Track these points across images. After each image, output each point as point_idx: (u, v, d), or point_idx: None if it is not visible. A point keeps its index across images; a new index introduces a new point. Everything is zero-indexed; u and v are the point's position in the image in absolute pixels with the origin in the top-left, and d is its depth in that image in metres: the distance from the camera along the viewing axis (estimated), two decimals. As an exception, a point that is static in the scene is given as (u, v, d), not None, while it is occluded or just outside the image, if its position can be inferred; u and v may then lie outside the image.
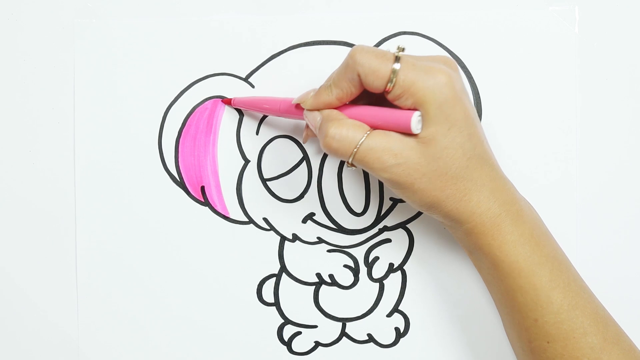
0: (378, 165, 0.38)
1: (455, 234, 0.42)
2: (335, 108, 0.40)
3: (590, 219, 0.48)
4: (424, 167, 0.37)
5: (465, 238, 0.40)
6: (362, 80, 0.38)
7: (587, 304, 0.39)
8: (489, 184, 0.39)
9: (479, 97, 0.48)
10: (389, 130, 0.38)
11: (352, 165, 0.39)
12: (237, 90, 0.48)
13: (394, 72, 0.37)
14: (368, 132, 0.38)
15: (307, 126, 0.44)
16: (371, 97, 0.40)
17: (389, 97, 0.38)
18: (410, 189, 0.38)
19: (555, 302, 0.38)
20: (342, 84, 0.38)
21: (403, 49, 0.38)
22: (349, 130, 0.38)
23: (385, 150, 0.37)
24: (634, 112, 0.48)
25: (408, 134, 0.37)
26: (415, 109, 0.37)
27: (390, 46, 0.47)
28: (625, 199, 0.48)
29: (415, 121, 0.37)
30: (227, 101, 0.48)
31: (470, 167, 0.38)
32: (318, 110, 0.40)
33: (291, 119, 0.47)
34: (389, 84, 0.37)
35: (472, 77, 0.48)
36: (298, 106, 0.42)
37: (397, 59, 0.37)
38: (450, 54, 0.48)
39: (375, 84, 0.37)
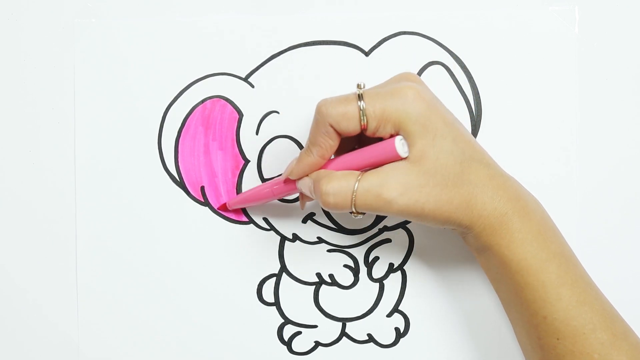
0: (382, 203, 0.38)
1: (465, 238, 0.42)
2: (322, 167, 0.40)
3: (590, 219, 0.48)
4: (425, 187, 0.37)
5: (474, 240, 0.40)
6: (336, 130, 0.38)
7: (595, 300, 0.39)
8: (489, 183, 0.39)
9: (479, 97, 0.48)
10: (380, 165, 0.38)
11: (358, 213, 0.39)
12: (237, 90, 0.48)
13: (361, 109, 0.37)
14: (360, 176, 0.38)
15: (302, 194, 0.44)
16: (352, 144, 0.41)
17: (369, 133, 0.38)
18: (422, 214, 0.38)
19: (564, 298, 0.38)
20: (319, 140, 0.39)
21: (363, 85, 0.38)
22: (340, 181, 0.38)
23: (383, 185, 0.37)
24: (634, 112, 0.48)
25: (398, 161, 0.38)
26: (396, 134, 0.38)
27: (354, 84, 0.43)
28: (626, 199, 0.48)
29: (399, 145, 0.37)
30: (222, 207, 0.48)
31: (465, 172, 0.38)
32: (306, 175, 0.41)
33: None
34: (362, 122, 0.38)
35: (472, 77, 0.48)
36: (289, 181, 0.42)
37: (360, 96, 0.38)
38: (450, 54, 0.48)
39: (350, 127, 0.38)
